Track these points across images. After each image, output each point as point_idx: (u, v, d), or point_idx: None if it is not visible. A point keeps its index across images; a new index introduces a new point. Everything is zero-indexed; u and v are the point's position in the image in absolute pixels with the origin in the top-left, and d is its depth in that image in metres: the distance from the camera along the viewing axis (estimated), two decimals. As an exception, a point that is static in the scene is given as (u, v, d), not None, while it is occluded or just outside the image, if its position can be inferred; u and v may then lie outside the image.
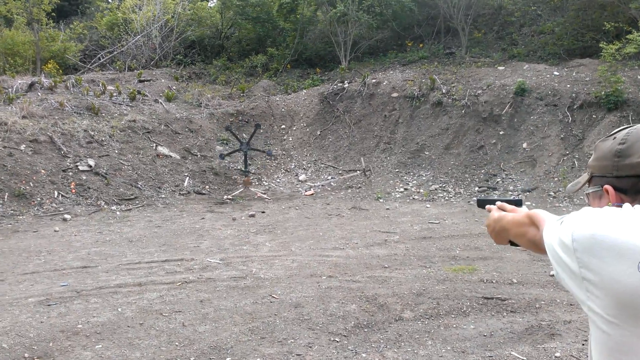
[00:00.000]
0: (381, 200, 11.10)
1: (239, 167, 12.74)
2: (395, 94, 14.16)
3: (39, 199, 9.98)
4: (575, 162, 10.99)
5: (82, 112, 12.96)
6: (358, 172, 12.83)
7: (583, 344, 3.98)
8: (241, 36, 20.18)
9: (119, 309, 4.90)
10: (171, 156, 12.57)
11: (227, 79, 18.02)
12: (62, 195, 10.25)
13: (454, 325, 4.41)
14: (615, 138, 1.15)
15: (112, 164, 11.50)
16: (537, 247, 1.21)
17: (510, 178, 11.35)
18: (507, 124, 12.38)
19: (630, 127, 1.15)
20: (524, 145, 11.89)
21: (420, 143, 12.89)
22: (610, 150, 1.14)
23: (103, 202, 10.41)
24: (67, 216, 9.49)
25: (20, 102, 12.63)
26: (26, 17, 20.14)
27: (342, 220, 9.23)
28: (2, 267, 6.48)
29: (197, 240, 7.84)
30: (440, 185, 11.61)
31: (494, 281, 5.53)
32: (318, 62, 18.71)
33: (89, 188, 10.67)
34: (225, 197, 11.58)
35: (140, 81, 16.27)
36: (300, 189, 12.44)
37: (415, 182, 11.95)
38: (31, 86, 14.05)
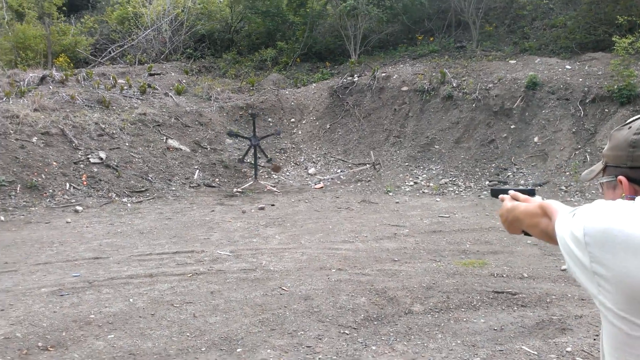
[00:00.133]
0: (391, 194, 11.08)
1: (248, 161, 12.76)
2: (405, 88, 14.09)
3: (51, 190, 10.07)
4: (587, 156, 10.90)
5: (93, 105, 13.04)
6: (367, 165, 12.81)
7: (594, 339, 3.96)
8: (251, 30, 20.16)
9: (131, 300, 4.95)
10: (181, 149, 12.62)
11: (237, 72, 18.03)
12: (74, 187, 10.34)
13: (464, 319, 4.41)
14: (630, 127, 1.12)
15: (122, 156, 11.57)
16: (550, 238, 1.19)
17: (521, 172, 11.28)
18: (518, 118, 12.29)
19: None
20: (536, 139, 11.80)
21: (430, 137, 12.84)
22: (625, 140, 1.11)
23: (114, 194, 10.49)
24: (79, 208, 9.57)
25: (32, 95, 12.72)
26: (37, 11, 20.26)
27: (351, 213, 9.22)
28: (16, 258, 6.56)
29: (207, 232, 7.88)
30: (451, 179, 11.57)
31: (504, 275, 5.51)
32: (328, 56, 18.65)
33: (100, 180, 10.75)
34: (235, 189, 11.61)
35: (151, 75, 16.32)
36: (309, 182, 12.45)
37: (425, 175, 11.91)
38: (43, 79, 14.15)
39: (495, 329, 4.20)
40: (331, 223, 8.38)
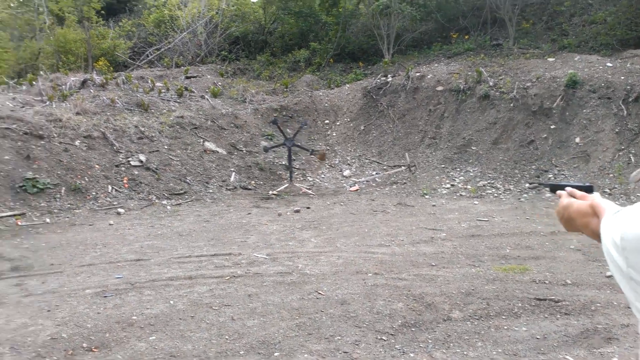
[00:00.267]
0: (427, 197, 10.96)
1: (283, 163, 12.84)
2: (440, 88, 13.92)
3: (94, 193, 10.37)
4: (632, 157, 10.52)
5: (132, 108, 13.38)
6: (403, 167, 12.71)
7: (643, 350, 3.83)
8: (284, 31, 20.30)
9: (171, 302, 5.05)
10: (218, 151, 12.80)
11: (271, 74, 18.18)
12: (116, 190, 10.62)
13: (505, 327, 4.32)
14: None
15: (162, 159, 11.82)
16: (600, 239, 1.16)
17: (562, 174, 10.97)
18: (558, 118, 11.97)
19: None
20: (577, 139, 11.47)
21: (466, 138, 12.63)
22: None
23: (154, 197, 10.73)
24: (121, 210, 9.84)
25: (73, 98, 13.14)
26: (77, 15, 20.92)
27: (387, 216, 9.17)
28: (61, 259, 6.78)
29: (244, 235, 7.97)
30: (489, 181, 11.35)
31: (546, 282, 5.38)
32: (361, 56, 18.59)
33: (141, 183, 11.01)
34: (270, 192, 11.71)
35: (187, 77, 16.62)
36: (344, 184, 12.44)
37: (462, 178, 11.73)
38: (84, 83, 14.58)
39: (537, 338, 4.10)
40: (367, 226, 8.35)
